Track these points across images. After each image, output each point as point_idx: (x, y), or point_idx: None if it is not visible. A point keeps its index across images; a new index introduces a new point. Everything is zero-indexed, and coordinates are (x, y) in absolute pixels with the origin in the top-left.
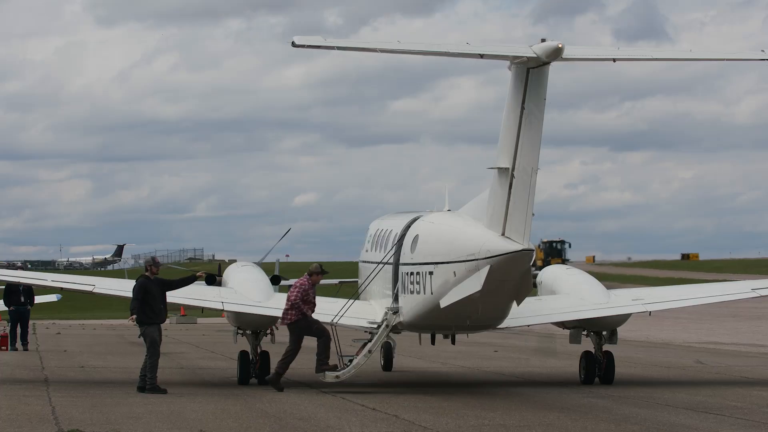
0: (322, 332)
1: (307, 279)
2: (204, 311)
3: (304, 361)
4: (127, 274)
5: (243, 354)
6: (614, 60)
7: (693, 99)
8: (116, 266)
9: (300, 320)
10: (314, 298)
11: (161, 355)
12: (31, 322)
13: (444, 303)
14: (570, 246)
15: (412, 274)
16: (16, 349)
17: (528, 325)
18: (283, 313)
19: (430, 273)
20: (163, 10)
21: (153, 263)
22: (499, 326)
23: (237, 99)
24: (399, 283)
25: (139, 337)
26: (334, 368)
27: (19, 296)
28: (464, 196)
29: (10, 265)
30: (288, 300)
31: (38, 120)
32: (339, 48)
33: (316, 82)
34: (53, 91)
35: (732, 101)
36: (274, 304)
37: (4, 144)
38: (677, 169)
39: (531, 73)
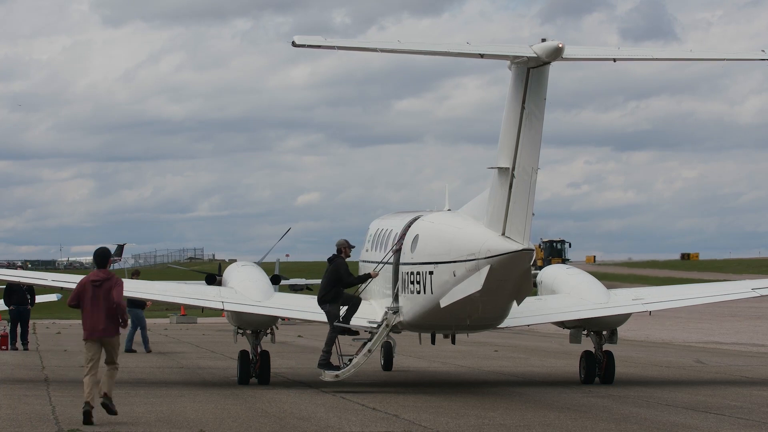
0: None
1: None
2: (204, 311)
3: (304, 361)
4: (127, 273)
5: (243, 354)
6: (614, 60)
7: (697, 99)
8: (116, 266)
9: None
10: None
11: (161, 355)
12: (31, 322)
13: (444, 302)
14: (570, 246)
15: (412, 273)
16: (16, 349)
17: (528, 325)
18: None
19: (431, 273)
20: (169, 10)
21: (348, 245)
22: (500, 326)
23: (241, 99)
24: (399, 283)
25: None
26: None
27: (22, 295)
28: (467, 196)
29: (11, 265)
30: None
31: (42, 120)
32: (339, 48)
33: (321, 82)
34: (58, 90)
35: (736, 101)
36: (274, 303)
37: (8, 144)
38: (681, 168)
39: (531, 72)
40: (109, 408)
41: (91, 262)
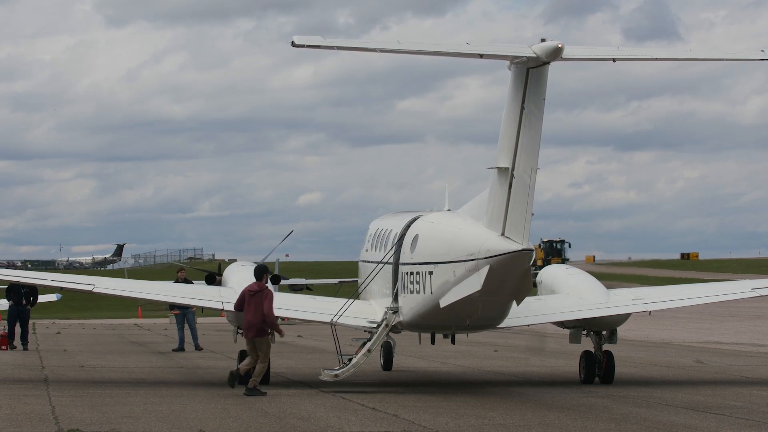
0: None
1: None
2: (204, 311)
3: (304, 361)
4: (127, 273)
5: (243, 353)
6: (614, 60)
7: (698, 99)
8: (116, 266)
9: None
10: None
11: (161, 355)
12: (31, 322)
13: (444, 303)
14: (570, 246)
15: (411, 273)
16: (15, 347)
17: (528, 325)
18: None
19: (430, 273)
20: (172, 10)
21: None
22: (499, 326)
23: (243, 99)
24: (399, 283)
25: None
26: None
27: (20, 297)
28: (467, 196)
29: (10, 265)
30: None
31: (44, 120)
32: (338, 48)
33: (323, 82)
34: (60, 90)
35: (737, 101)
36: (274, 303)
37: (9, 144)
38: (682, 168)
39: (531, 73)
40: (250, 394)
41: (91, 262)
